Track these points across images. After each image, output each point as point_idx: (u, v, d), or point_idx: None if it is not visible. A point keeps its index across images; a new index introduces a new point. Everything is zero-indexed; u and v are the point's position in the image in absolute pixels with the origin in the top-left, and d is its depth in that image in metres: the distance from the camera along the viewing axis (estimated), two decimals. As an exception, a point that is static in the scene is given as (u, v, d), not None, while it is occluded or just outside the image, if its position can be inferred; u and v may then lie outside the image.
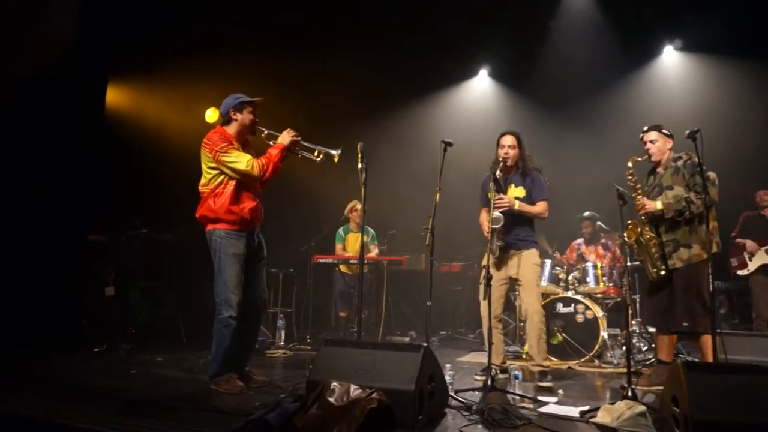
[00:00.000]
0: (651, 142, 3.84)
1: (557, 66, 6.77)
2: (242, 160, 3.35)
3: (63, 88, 5.19)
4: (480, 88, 7.94)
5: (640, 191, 3.85)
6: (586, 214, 5.94)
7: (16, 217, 4.79)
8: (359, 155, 3.46)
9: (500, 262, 3.97)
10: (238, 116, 3.51)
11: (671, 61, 7.04)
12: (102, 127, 5.83)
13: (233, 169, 3.35)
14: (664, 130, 3.85)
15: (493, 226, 3.78)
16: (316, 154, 3.56)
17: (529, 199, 3.95)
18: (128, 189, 5.85)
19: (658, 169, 3.90)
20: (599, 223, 5.94)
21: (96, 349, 4.64)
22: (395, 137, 7.36)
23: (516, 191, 3.97)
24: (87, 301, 5.14)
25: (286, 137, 3.52)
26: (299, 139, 3.53)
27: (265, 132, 3.63)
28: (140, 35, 5.83)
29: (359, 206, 5.89)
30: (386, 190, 6.71)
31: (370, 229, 6.14)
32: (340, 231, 6.10)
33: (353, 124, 6.87)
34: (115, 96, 6.19)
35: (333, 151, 3.53)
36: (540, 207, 3.92)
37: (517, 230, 3.93)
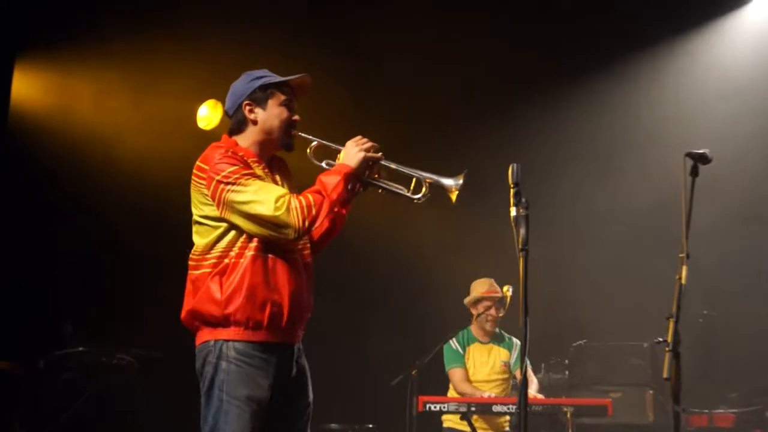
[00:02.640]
0: None
1: None
2: (266, 198, 3.32)
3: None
4: (754, 29, 7.83)
5: None
6: None
7: None
8: (511, 188, 3.35)
9: None
10: (259, 114, 3.58)
11: None
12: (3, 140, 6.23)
13: (250, 216, 3.34)
14: None
15: None
16: (412, 186, 3.50)
17: None
18: (52, 261, 6.12)
19: None
20: None
21: None
22: (576, 147, 7.58)
23: None
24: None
25: (353, 151, 3.54)
26: (380, 155, 3.54)
27: (315, 143, 3.64)
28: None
29: (492, 289, 5.78)
30: (559, 254, 6.59)
31: (513, 339, 6.26)
32: (454, 343, 6.15)
33: (494, 124, 6.92)
34: (24, 87, 6.57)
35: (448, 181, 3.44)
36: None
37: None
